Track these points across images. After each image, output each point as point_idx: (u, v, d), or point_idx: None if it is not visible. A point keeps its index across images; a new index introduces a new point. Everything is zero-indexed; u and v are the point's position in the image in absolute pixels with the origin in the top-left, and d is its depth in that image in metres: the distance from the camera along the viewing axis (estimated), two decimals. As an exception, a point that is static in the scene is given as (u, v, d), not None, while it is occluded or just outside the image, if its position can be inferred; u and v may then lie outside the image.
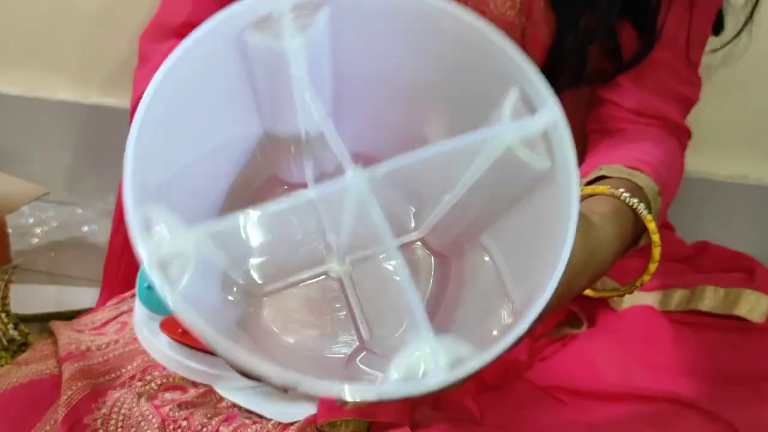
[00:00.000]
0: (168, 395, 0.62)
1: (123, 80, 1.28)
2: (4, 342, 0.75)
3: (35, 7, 1.26)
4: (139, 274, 0.67)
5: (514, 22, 0.70)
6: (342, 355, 0.52)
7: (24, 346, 0.77)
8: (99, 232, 1.25)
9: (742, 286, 0.67)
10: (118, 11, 1.25)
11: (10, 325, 0.76)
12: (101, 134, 1.30)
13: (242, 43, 0.43)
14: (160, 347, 0.63)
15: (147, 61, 0.78)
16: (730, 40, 0.76)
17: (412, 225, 0.55)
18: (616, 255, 0.57)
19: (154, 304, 0.65)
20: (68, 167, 1.33)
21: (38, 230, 1.23)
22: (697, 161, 1.16)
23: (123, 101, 1.28)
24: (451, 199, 0.49)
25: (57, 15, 1.26)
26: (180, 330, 0.62)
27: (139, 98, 0.41)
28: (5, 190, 1.12)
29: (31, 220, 1.23)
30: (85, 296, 1.11)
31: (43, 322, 0.87)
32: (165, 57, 0.69)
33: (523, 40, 0.70)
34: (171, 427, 0.58)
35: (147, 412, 0.59)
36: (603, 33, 0.69)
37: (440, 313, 0.52)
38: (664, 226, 0.87)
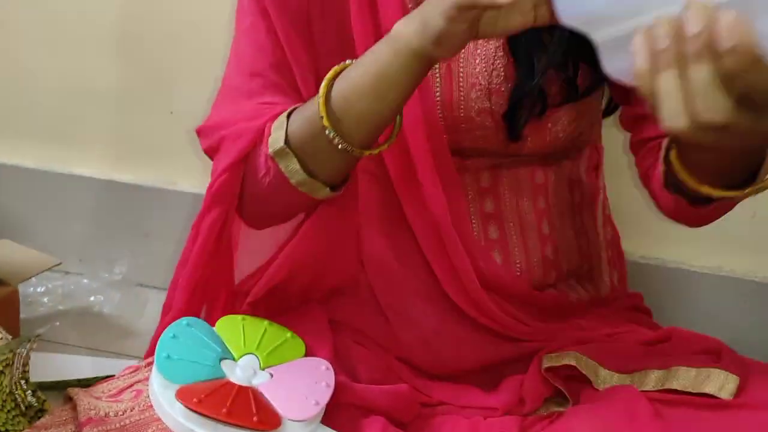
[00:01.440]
0: None
1: (135, 157, 1.36)
2: (23, 408, 0.78)
3: (53, 83, 1.34)
4: (158, 344, 0.72)
5: (482, 82, 0.79)
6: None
7: (41, 412, 0.80)
8: (105, 302, 1.29)
9: (711, 366, 0.72)
10: (134, 90, 1.33)
11: (29, 392, 0.80)
12: (111, 208, 1.37)
13: None
14: (174, 416, 0.67)
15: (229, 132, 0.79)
16: None
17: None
18: None
19: (172, 373, 0.70)
20: (76, 238, 1.38)
21: (45, 299, 1.27)
22: (674, 252, 1.24)
23: (134, 177, 1.36)
24: None
25: (74, 92, 1.34)
26: (195, 399, 0.67)
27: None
28: (18, 260, 1.17)
29: (39, 289, 1.27)
30: (84, 364, 1.14)
31: (59, 389, 0.91)
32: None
33: (489, 94, 0.79)
34: None
35: None
36: (557, 69, 0.77)
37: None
38: (642, 311, 0.94)
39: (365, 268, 0.84)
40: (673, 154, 0.69)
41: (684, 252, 1.24)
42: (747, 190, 0.67)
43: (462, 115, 0.80)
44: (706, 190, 0.67)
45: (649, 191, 0.84)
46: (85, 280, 1.32)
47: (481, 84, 0.79)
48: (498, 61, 0.79)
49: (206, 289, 0.82)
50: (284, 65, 0.80)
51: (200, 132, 0.83)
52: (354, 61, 0.71)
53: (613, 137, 1.00)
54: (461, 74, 0.80)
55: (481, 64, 0.79)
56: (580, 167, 0.90)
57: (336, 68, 0.71)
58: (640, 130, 0.84)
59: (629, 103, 0.85)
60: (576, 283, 0.89)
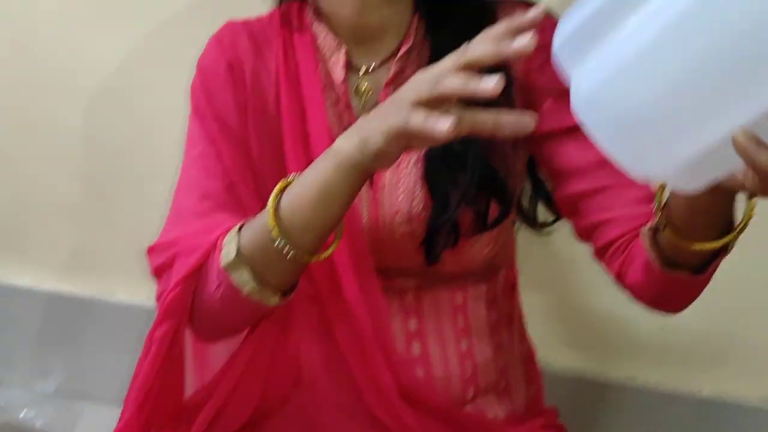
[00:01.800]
0: None
1: (74, 269, 1.39)
2: None
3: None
4: None
5: (404, 209, 0.86)
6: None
7: None
8: (37, 416, 1.29)
9: None
10: (77, 203, 1.37)
11: None
12: (48, 319, 1.38)
13: None
14: None
15: (180, 255, 0.83)
16: None
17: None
18: None
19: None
20: (10, 349, 1.38)
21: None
22: (590, 363, 1.31)
23: (73, 288, 1.38)
24: None
25: (16, 204, 1.38)
26: None
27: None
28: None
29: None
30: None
31: None
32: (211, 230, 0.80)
33: (409, 220, 0.86)
34: None
35: None
36: (468, 203, 0.84)
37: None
38: (556, 428, 0.99)
39: (299, 385, 0.89)
40: (668, 233, 0.73)
41: (599, 363, 1.31)
42: (739, 227, 0.72)
43: (386, 237, 0.88)
44: (712, 245, 0.71)
45: (630, 287, 0.87)
46: (17, 392, 1.32)
47: (402, 211, 0.87)
48: (418, 192, 0.87)
49: (156, 402, 0.84)
50: (232, 186, 0.87)
51: (151, 250, 0.87)
52: (298, 174, 0.77)
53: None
54: (386, 201, 0.88)
55: (404, 193, 0.87)
56: (497, 287, 0.97)
57: (282, 183, 0.77)
58: (599, 237, 0.88)
59: (581, 216, 0.89)
60: (494, 398, 0.94)
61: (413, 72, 0.85)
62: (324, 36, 0.90)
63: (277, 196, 0.76)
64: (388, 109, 0.68)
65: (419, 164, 0.87)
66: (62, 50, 1.31)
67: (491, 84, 0.60)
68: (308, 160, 0.84)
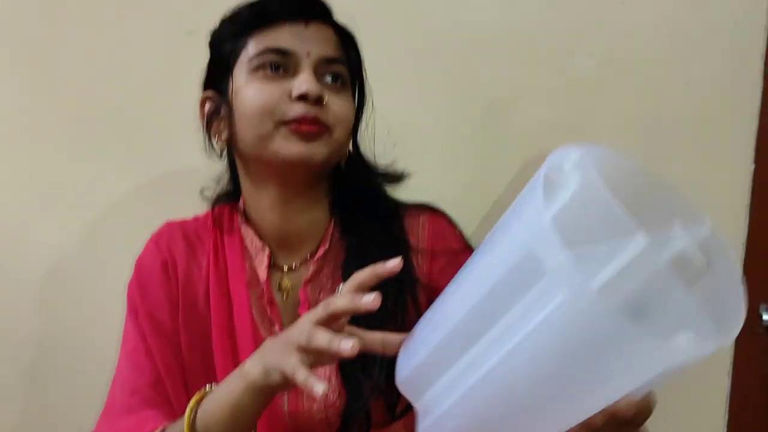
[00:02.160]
0: None
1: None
2: None
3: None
4: None
5: (321, 398, 0.89)
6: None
7: None
8: None
9: None
10: (11, 387, 1.38)
11: None
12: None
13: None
14: None
15: None
16: None
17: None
18: None
19: None
20: None
21: None
22: None
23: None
24: None
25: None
26: None
27: None
28: None
29: None
30: None
31: None
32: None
33: (326, 408, 0.93)
34: None
35: None
36: (379, 394, 0.91)
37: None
38: None
39: None
40: None
41: None
42: None
43: (305, 424, 0.94)
44: None
45: None
46: None
47: (319, 399, 0.93)
48: (333, 381, 0.94)
49: None
50: (160, 382, 0.94)
51: None
52: (213, 387, 0.85)
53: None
54: (305, 391, 0.95)
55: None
56: None
57: (197, 395, 0.84)
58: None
59: None
60: None
61: (330, 270, 0.96)
62: (251, 238, 1.00)
63: (193, 407, 0.83)
64: (284, 346, 0.76)
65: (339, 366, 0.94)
66: (4, 238, 1.36)
67: (371, 300, 0.71)
68: (234, 353, 0.94)
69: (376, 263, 0.75)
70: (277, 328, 0.97)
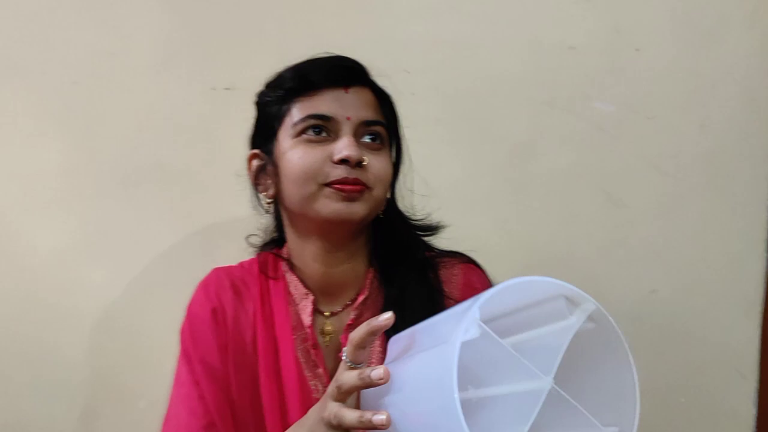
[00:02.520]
0: None
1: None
2: None
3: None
4: None
5: None
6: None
7: None
8: None
9: None
10: (60, 421, 1.44)
11: None
12: None
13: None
14: None
15: None
16: None
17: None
18: None
19: None
20: None
21: None
22: None
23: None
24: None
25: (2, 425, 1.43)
26: None
27: None
28: None
29: None
30: None
31: None
32: None
33: None
34: None
35: None
36: None
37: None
38: None
39: None
40: None
41: None
42: None
43: None
44: None
45: None
46: None
47: None
48: None
49: None
50: (213, 426, 0.99)
51: None
52: None
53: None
54: None
55: None
56: None
57: None
58: None
59: None
60: None
61: (370, 316, 0.99)
62: (295, 284, 1.05)
63: None
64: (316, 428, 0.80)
65: None
66: (61, 285, 1.42)
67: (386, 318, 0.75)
68: (280, 393, 0.99)
69: (407, 313, 0.80)
70: (321, 370, 1.01)
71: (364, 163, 0.96)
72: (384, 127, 1.01)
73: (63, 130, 1.40)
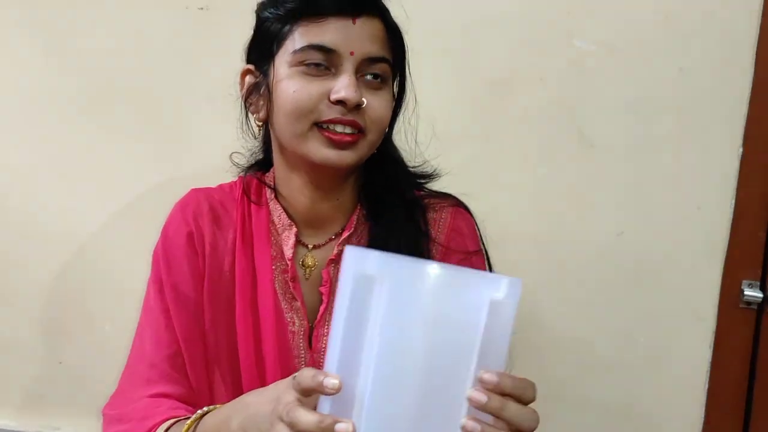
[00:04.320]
0: None
1: (20, 404, 1.45)
2: None
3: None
4: None
5: None
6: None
7: None
8: None
9: None
10: (22, 339, 1.44)
11: None
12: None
13: None
14: None
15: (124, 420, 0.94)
16: None
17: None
18: None
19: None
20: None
21: None
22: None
23: (17, 424, 1.45)
24: None
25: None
26: None
27: None
28: None
29: None
30: None
31: None
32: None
33: None
34: None
35: None
36: None
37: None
38: None
39: None
40: None
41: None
42: None
43: None
44: None
45: None
46: None
47: None
48: None
49: None
50: (178, 356, 0.97)
51: (104, 416, 0.97)
52: (214, 409, 0.86)
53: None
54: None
55: None
56: None
57: (198, 412, 0.87)
58: None
59: None
60: None
61: None
62: (279, 214, 1.01)
63: (190, 425, 0.86)
64: (267, 418, 0.70)
65: None
66: (31, 206, 1.42)
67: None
68: (255, 325, 0.96)
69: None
70: (298, 303, 0.99)
71: (362, 105, 0.91)
72: (389, 65, 0.95)
73: (35, 51, 1.36)
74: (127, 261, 1.39)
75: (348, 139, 0.91)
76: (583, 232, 1.37)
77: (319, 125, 0.91)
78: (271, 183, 1.04)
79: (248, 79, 0.99)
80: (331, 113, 0.90)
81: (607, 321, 1.40)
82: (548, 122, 1.34)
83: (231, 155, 1.07)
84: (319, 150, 0.91)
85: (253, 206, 1.03)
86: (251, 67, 0.98)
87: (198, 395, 0.97)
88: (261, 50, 0.96)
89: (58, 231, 1.41)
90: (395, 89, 1.00)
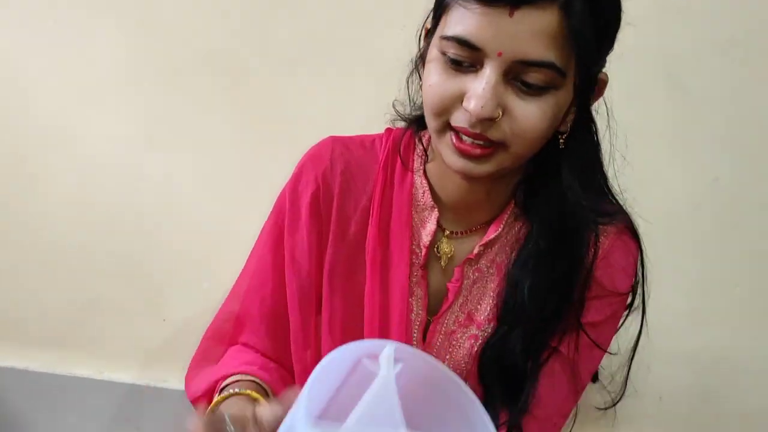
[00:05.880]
0: None
1: (131, 359, 1.54)
2: None
3: (55, 295, 1.53)
4: None
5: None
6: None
7: None
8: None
9: None
10: (130, 300, 1.52)
11: None
12: (108, 404, 1.53)
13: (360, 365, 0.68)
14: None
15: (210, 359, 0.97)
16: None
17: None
18: None
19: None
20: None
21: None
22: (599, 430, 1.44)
23: (129, 376, 1.54)
24: None
25: (74, 302, 1.53)
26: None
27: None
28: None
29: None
30: None
31: None
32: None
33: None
34: None
35: None
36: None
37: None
38: None
39: None
40: None
41: (607, 429, 1.45)
42: None
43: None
44: None
45: None
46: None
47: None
48: (463, 368, 0.92)
49: None
50: (274, 311, 0.95)
51: (186, 379, 0.99)
52: (235, 389, 0.84)
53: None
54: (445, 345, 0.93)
55: (451, 363, 0.92)
56: None
57: (217, 398, 0.84)
58: None
59: None
60: None
61: (492, 259, 0.91)
62: (423, 192, 0.92)
63: (215, 405, 0.83)
64: None
65: (474, 349, 0.91)
66: (118, 175, 1.46)
67: None
68: (383, 306, 0.91)
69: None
70: (421, 292, 0.92)
71: (497, 118, 0.75)
72: (557, 72, 0.73)
73: (116, 21, 1.39)
74: (223, 223, 1.44)
75: (478, 152, 0.77)
76: (677, 179, 1.33)
77: (451, 128, 0.78)
78: (423, 148, 0.93)
79: (424, 44, 0.84)
80: (461, 120, 0.76)
81: (702, 271, 1.37)
82: (635, 64, 1.30)
83: (393, 102, 0.95)
84: (448, 154, 0.79)
85: (397, 173, 0.92)
86: (429, 27, 0.83)
87: (286, 356, 0.96)
88: (435, 14, 0.80)
89: (148, 200, 1.47)
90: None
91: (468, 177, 0.80)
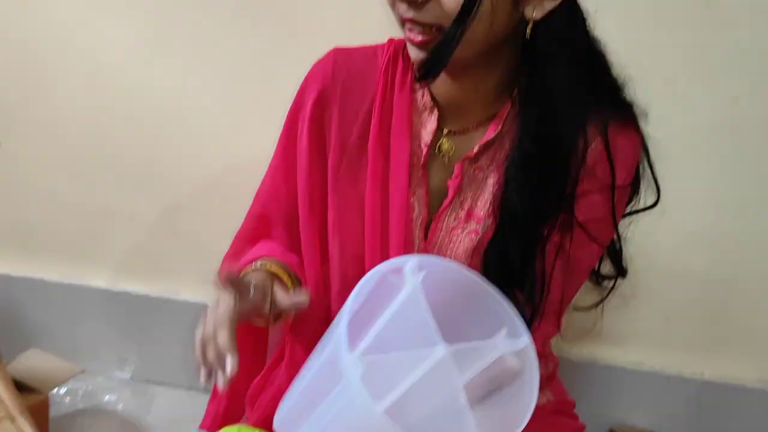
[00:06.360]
0: None
1: (144, 271, 1.56)
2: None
3: (72, 207, 1.54)
4: None
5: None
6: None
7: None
8: (118, 400, 1.48)
9: None
10: (145, 213, 1.53)
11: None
12: (122, 315, 1.56)
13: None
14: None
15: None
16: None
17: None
18: None
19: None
20: (92, 342, 1.57)
21: (67, 399, 1.45)
22: (601, 351, 1.46)
23: (143, 288, 1.56)
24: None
25: (91, 214, 1.54)
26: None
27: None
28: (47, 369, 1.34)
29: (61, 391, 1.45)
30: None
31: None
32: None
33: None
34: None
35: None
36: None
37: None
38: (572, 417, 1.07)
39: None
40: None
41: (609, 351, 1.46)
42: None
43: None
44: None
45: None
46: (100, 379, 1.51)
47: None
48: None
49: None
50: (289, 213, 1.01)
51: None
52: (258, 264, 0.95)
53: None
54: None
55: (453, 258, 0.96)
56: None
57: (245, 271, 0.94)
58: None
59: None
60: None
61: (492, 155, 0.93)
62: (423, 93, 0.94)
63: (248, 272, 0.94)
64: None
65: (473, 244, 0.94)
66: (135, 83, 1.45)
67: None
68: (384, 206, 0.94)
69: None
70: (423, 191, 0.95)
71: (420, 1, 0.78)
72: None
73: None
74: (238, 137, 1.44)
75: (419, 38, 0.81)
76: (696, 98, 1.31)
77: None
78: None
79: None
80: (400, 8, 0.81)
81: (719, 192, 1.35)
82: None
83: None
84: (408, 47, 0.85)
85: (398, 77, 0.95)
86: None
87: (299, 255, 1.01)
88: None
89: (163, 110, 1.46)
90: None
91: (421, 69, 0.83)
